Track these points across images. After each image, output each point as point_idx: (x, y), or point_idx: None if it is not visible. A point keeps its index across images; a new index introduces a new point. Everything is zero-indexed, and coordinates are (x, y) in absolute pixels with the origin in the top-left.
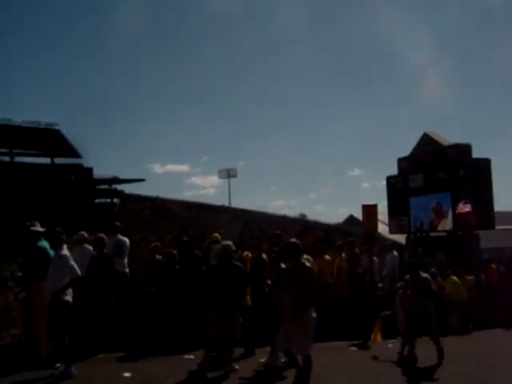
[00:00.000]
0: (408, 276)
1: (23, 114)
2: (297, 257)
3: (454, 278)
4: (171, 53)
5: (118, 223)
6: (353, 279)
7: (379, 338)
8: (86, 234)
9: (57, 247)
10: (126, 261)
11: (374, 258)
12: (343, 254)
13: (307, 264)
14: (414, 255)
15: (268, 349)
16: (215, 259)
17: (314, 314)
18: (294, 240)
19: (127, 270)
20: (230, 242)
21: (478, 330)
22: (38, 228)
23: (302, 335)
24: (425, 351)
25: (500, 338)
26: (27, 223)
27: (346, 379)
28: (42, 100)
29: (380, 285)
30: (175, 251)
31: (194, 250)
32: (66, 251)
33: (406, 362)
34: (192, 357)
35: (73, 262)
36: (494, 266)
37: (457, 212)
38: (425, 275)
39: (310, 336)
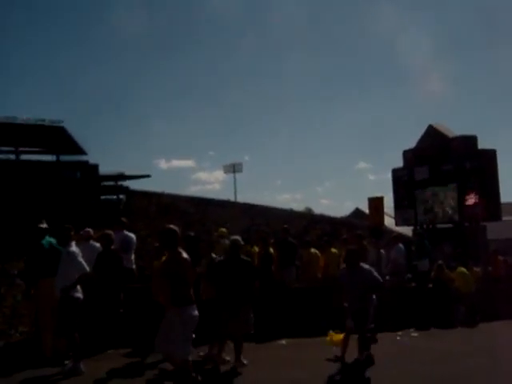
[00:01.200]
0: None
1: (28, 112)
2: (172, 246)
3: (463, 269)
4: (176, 48)
5: (124, 219)
6: None
7: (335, 338)
8: (91, 231)
9: (65, 244)
10: (132, 257)
11: (381, 251)
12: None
13: (184, 255)
14: (421, 248)
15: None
16: (222, 253)
17: (193, 313)
18: (171, 226)
19: (134, 266)
20: (238, 237)
21: (485, 321)
22: (43, 225)
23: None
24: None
25: (507, 330)
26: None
27: (354, 372)
28: (47, 97)
29: (387, 277)
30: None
31: (198, 244)
32: (74, 247)
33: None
34: (201, 353)
35: (81, 259)
36: (500, 257)
37: (463, 204)
38: (366, 267)
39: (186, 338)
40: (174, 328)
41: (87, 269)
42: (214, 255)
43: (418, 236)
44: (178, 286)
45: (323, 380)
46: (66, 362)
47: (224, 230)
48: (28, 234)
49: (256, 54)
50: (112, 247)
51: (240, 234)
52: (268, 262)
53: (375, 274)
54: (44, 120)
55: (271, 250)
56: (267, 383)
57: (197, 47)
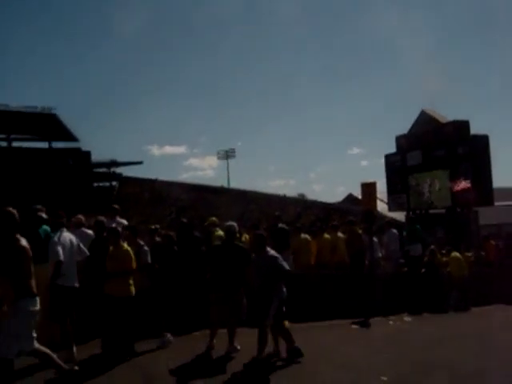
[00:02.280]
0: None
1: (20, 99)
2: (8, 232)
3: (457, 254)
4: (168, 37)
5: (116, 206)
6: (354, 258)
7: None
8: (83, 218)
9: (57, 231)
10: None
11: (374, 237)
12: (339, 234)
13: (22, 243)
14: (413, 233)
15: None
16: (218, 241)
17: (30, 307)
18: (8, 209)
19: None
20: (233, 223)
21: (477, 306)
22: (43, 214)
23: None
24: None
25: (499, 314)
26: (33, 207)
27: (345, 357)
28: (39, 85)
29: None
30: (172, 233)
31: (193, 231)
32: (60, 235)
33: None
34: (194, 337)
35: (58, 247)
36: (492, 242)
37: (456, 189)
38: (271, 253)
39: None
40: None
41: (61, 257)
42: None
43: (410, 221)
44: (15, 276)
45: (316, 363)
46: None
47: (214, 218)
48: (23, 222)
49: (249, 41)
50: (104, 234)
51: (233, 220)
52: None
53: (280, 261)
54: (36, 107)
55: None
56: (260, 368)
57: (190, 35)
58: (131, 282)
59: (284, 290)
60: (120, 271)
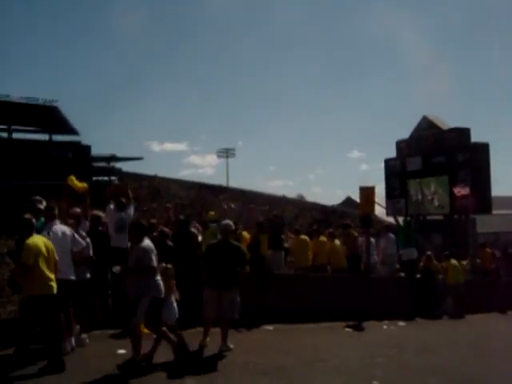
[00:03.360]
0: None
1: (22, 91)
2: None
3: (454, 261)
4: (171, 34)
5: (124, 200)
6: (351, 260)
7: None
8: (79, 210)
9: (48, 223)
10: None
11: (371, 240)
12: (336, 241)
13: None
14: (407, 237)
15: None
16: (211, 237)
17: None
18: None
19: (129, 244)
20: (229, 221)
21: (472, 313)
22: (41, 205)
23: None
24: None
25: (493, 322)
26: (32, 198)
27: (337, 360)
28: (41, 77)
29: (378, 266)
30: (166, 228)
31: (190, 228)
32: (54, 227)
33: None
34: (187, 334)
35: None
36: (488, 250)
37: (456, 195)
38: (143, 244)
39: None
40: None
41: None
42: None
43: (406, 225)
44: None
45: (308, 365)
46: None
47: (213, 213)
48: (20, 213)
49: (252, 41)
50: (100, 228)
51: (231, 219)
52: (258, 248)
53: (148, 254)
54: (37, 99)
55: (264, 237)
56: (252, 368)
57: (193, 33)
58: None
59: (160, 287)
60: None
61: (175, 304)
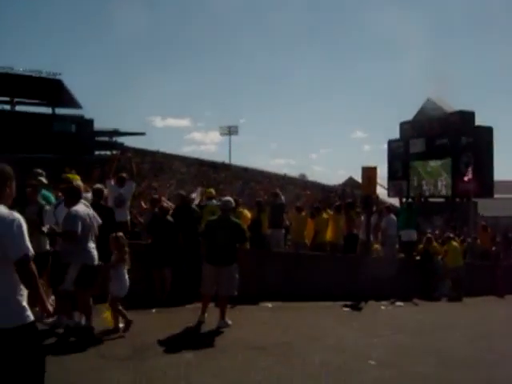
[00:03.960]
0: None
1: (25, 63)
2: None
3: (455, 243)
4: (176, 9)
5: (124, 175)
6: (348, 240)
7: (110, 317)
8: (82, 185)
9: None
10: (127, 210)
11: (372, 220)
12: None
13: None
14: (408, 218)
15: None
16: (210, 215)
17: None
18: None
19: (128, 217)
20: (230, 198)
21: (471, 296)
22: (43, 179)
23: None
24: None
25: (491, 305)
26: (34, 171)
27: (334, 339)
28: (45, 49)
29: (377, 246)
30: (166, 204)
31: (191, 204)
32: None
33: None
34: (186, 310)
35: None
36: (489, 231)
37: (466, 178)
38: (74, 208)
39: None
40: None
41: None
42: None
43: (407, 206)
44: None
45: (305, 343)
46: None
47: (212, 190)
48: (23, 187)
49: (258, 17)
50: (101, 202)
51: (232, 196)
52: (259, 227)
53: (72, 219)
54: (41, 72)
55: (264, 216)
56: (250, 344)
57: (199, 10)
58: None
59: (90, 254)
60: None
61: (127, 276)
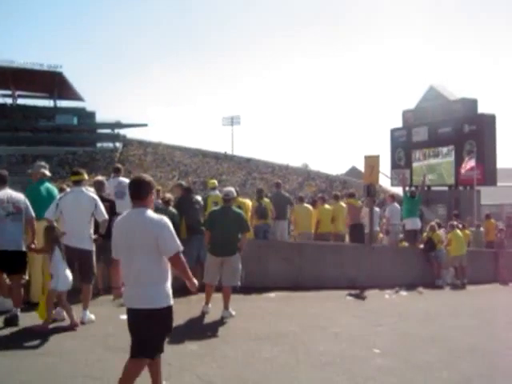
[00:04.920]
0: None
1: (26, 56)
2: None
3: (458, 232)
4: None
5: (119, 166)
6: (352, 230)
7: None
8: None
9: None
10: (129, 202)
11: (376, 209)
12: (341, 203)
13: None
14: (412, 206)
15: None
16: (212, 205)
17: None
18: None
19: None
20: (231, 188)
21: (475, 284)
22: (46, 171)
23: None
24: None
25: (495, 293)
26: (37, 162)
27: (338, 328)
28: (46, 42)
29: (380, 235)
30: (168, 195)
31: (193, 194)
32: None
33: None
34: (190, 301)
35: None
36: (493, 220)
37: (464, 169)
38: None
39: None
40: None
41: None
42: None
43: (410, 194)
44: None
45: (309, 333)
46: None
47: (214, 181)
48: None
49: (259, 8)
50: (103, 194)
51: (235, 186)
52: (264, 213)
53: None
54: (42, 65)
55: (266, 200)
56: (254, 334)
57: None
58: None
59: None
60: None
61: (67, 271)
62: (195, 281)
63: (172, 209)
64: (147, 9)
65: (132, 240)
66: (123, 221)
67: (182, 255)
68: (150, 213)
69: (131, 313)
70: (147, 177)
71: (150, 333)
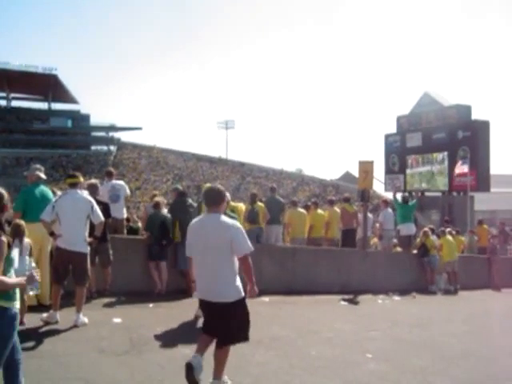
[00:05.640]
0: None
1: (21, 58)
2: None
3: (449, 237)
4: (173, 3)
5: (111, 169)
6: (345, 235)
7: None
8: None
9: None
10: (123, 206)
11: (369, 215)
12: (336, 208)
13: None
14: (406, 212)
15: None
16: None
17: None
18: None
19: (125, 215)
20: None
21: (468, 290)
22: (41, 174)
23: None
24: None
25: (487, 299)
26: (32, 165)
27: (332, 333)
28: (41, 44)
29: (374, 240)
30: (157, 198)
31: (187, 198)
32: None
33: None
34: (183, 304)
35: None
36: (485, 226)
37: (455, 173)
38: None
39: None
40: None
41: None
42: None
43: (404, 200)
44: None
45: (303, 337)
46: (45, 314)
47: (209, 185)
48: (19, 181)
49: (255, 12)
50: (97, 197)
51: (229, 191)
52: (256, 218)
53: None
54: (37, 67)
55: (260, 204)
56: None
57: (194, 3)
58: None
59: None
60: None
61: (34, 273)
62: (256, 288)
63: (163, 212)
64: (142, 12)
65: (208, 241)
66: (199, 224)
67: (249, 258)
68: (224, 218)
69: (207, 305)
70: (221, 187)
71: (227, 323)
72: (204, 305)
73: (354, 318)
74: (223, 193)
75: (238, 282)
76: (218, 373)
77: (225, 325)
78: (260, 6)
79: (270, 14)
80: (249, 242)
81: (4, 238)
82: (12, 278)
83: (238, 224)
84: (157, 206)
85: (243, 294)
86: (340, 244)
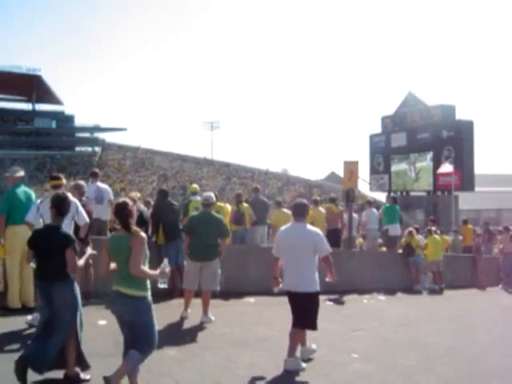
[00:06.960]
0: None
1: (4, 59)
2: None
3: (435, 236)
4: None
5: (97, 170)
6: (330, 235)
7: None
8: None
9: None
10: (107, 208)
11: (354, 215)
12: (320, 208)
13: None
14: (392, 212)
15: None
16: (193, 210)
17: None
18: None
19: (109, 217)
20: (211, 193)
21: (453, 289)
22: (20, 173)
23: None
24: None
25: (472, 298)
26: (12, 168)
27: (317, 333)
28: (24, 45)
29: (360, 240)
30: (133, 193)
31: (167, 197)
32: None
33: None
34: (169, 306)
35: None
36: (470, 226)
37: (439, 172)
38: None
39: None
40: None
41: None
42: None
43: (391, 200)
44: None
45: (285, 338)
46: (30, 317)
47: (196, 186)
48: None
49: (239, 12)
50: (83, 198)
51: (214, 191)
52: (243, 220)
53: None
54: (21, 67)
55: (245, 205)
56: (233, 339)
57: (180, 2)
58: None
59: None
60: None
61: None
62: (335, 277)
63: (139, 205)
64: (127, 13)
65: (296, 244)
66: (289, 230)
67: (329, 256)
68: (309, 226)
69: (294, 295)
70: (305, 201)
71: (310, 310)
72: (291, 296)
73: (340, 318)
74: (307, 206)
75: (317, 277)
76: (292, 351)
77: (305, 310)
78: (245, 7)
79: (253, 16)
80: (328, 245)
81: (144, 235)
82: (152, 270)
83: (319, 231)
84: (134, 200)
85: (318, 287)
86: None
